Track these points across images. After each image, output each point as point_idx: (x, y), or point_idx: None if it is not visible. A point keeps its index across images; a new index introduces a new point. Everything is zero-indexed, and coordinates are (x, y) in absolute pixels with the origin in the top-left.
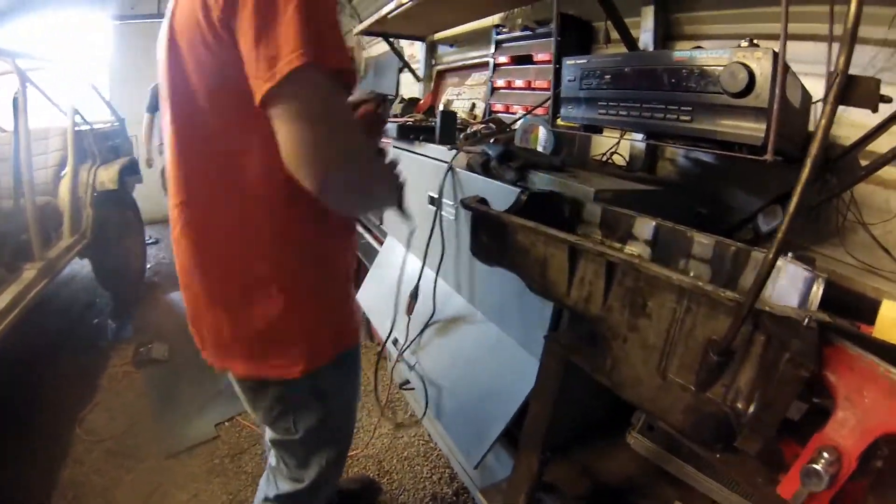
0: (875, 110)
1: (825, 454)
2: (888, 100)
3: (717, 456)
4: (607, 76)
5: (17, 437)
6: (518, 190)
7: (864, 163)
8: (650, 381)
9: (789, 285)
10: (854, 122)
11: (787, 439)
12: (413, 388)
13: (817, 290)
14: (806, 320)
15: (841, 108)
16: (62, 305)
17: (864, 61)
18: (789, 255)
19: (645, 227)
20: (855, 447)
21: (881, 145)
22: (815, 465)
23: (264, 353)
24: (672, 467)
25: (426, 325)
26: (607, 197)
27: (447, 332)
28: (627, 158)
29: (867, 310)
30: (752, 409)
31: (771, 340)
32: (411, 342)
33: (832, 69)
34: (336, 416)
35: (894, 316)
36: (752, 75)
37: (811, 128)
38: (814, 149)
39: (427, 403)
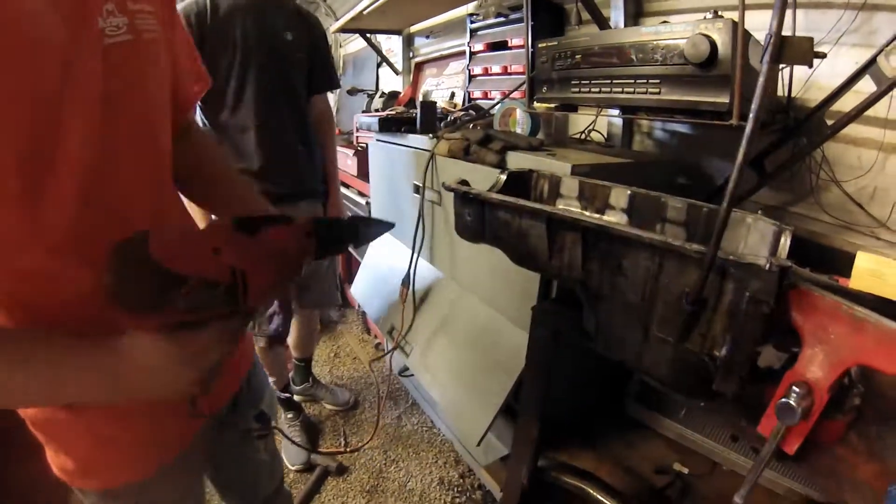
0: (810, 66)
1: (795, 388)
2: (822, 55)
3: (702, 405)
4: (578, 56)
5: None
6: (499, 171)
7: (830, 123)
8: (634, 339)
9: (759, 241)
10: (822, 85)
11: (770, 387)
12: (412, 375)
13: (784, 242)
14: (767, 265)
15: (809, 71)
16: None
17: (828, 25)
18: (759, 212)
19: (621, 196)
20: (824, 380)
21: (849, 104)
22: (787, 400)
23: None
24: (671, 432)
25: (424, 316)
26: (584, 171)
27: (441, 317)
28: (605, 135)
29: (844, 263)
30: (723, 352)
31: (736, 286)
32: (407, 330)
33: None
34: None
35: (868, 266)
36: (713, 45)
37: (780, 92)
38: (754, 103)
39: (426, 389)
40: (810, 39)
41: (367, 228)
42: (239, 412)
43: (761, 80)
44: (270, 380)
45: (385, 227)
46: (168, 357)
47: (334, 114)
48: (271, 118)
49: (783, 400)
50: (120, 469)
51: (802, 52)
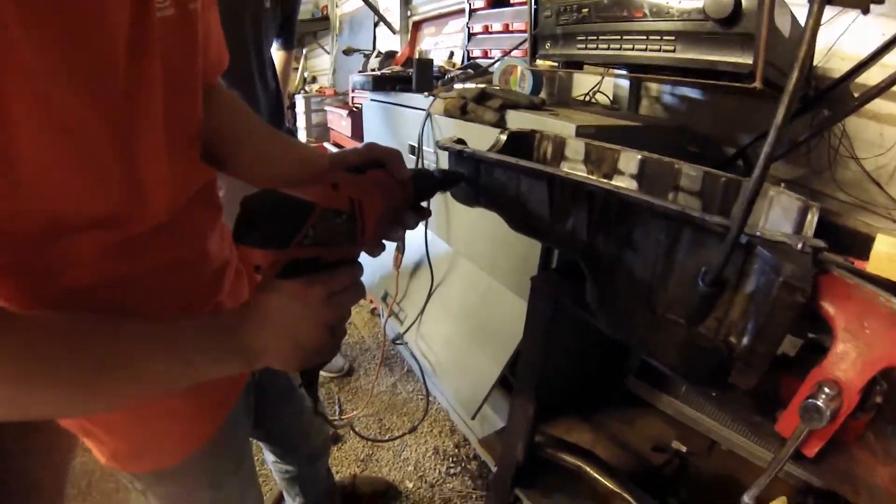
0: (866, 11)
1: (826, 389)
2: (880, 1)
3: (714, 395)
4: (585, 9)
5: (27, 426)
6: (498, 131)
7: (856, 95)
8: (640, 317)
9: (782, 216)
10: (846, 55)
11: (785, 376)
12: (406, 343)
13: (812, 220)
14: (800, 245)
15: (832, 40)
16: None
17: None
18: (782, 185)
19: (631, 160)
20: (856, 381)
21: (874, 78)
22: (815, 401)
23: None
24: (670, 409)
25: (419, 283)
26: (589, 133)
27: (437, 284)
28: (611, 98)
29: (859, 245)
30: (744, 341)
31: (764, 268)
32: (401, 297)
33: None
34: None
35: (888, 250)
36: (737, 0)
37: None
38: (801, 52)
39: (421, 356)
40: None
41: (450, 178)
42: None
43: (810, 21)
44: None
45: (461, 176)
46: (308, 298)
47: (330, 75)
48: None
49: (810, 401)
50: (175, 446)
51: None
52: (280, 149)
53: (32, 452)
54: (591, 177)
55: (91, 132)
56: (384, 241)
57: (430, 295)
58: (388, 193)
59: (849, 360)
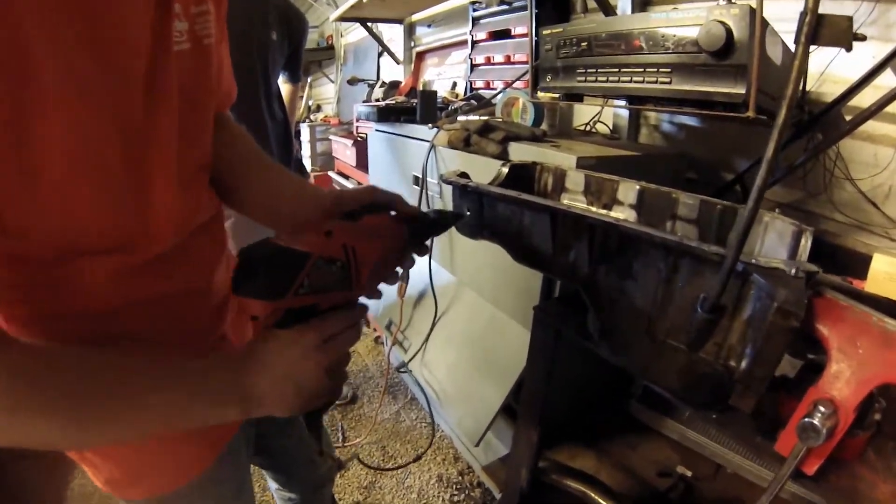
0: (849, 49)
1: (821, 408)
2: (861, 37)
3: (714, 417)
4: (584, 43)
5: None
6: (500, 163)
7: (848, 118)
8: (641, 345)
9: (777, 241)
10: (838, 78)
11: (785, 396)
12: (410, 371)
13: (805, 244)
14: (793, 270)
15: (824, 65)
16: None
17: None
18: (776, 210)
19: (629, 191)
20: (851, 399)
21: (867, 101)
22: (811, 420)
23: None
24: (675, 433)
25: (423, 311)
26: (590, 164)
27: (441, 313)
28: (611, 127)
29: (857, 265)
30: (743, 364)
31: (759, 293)
32: (406, 326)
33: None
34: None
35: (886, 269)
36: (729, 32)
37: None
38: (788, 89)
39: (425, 384)
40: (849, 18)
41: (446, 219)
42: None
43: (796, 62)
44: None
45: (460, 217)
46: (303, 343)
47: (335, 104)
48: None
49: (807, 419)
50: (174, 472)
51: (841, 31)
52: (285, 184)
53: (32, 470)
54: (592, 209)
55: (108, 154)
56: (384, 284)
57: (434, 324)
58: (385, 240)
59: (843, 379)
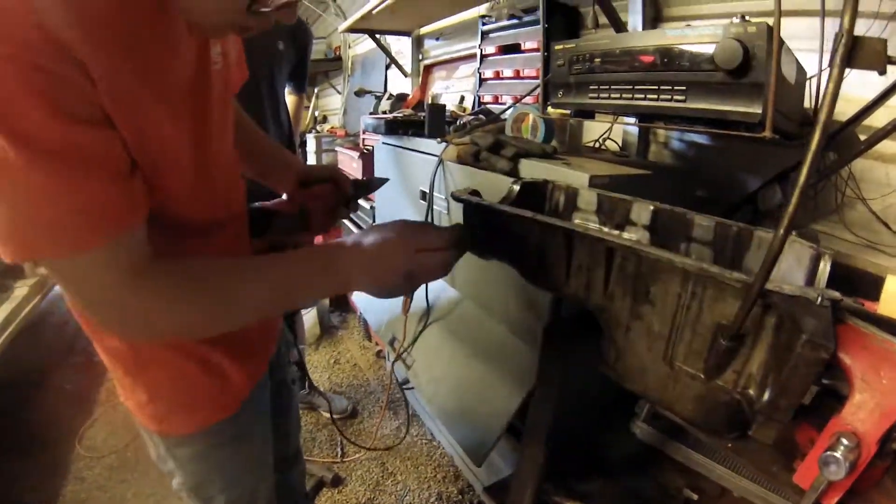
0: (883, 72)
1: (844, 440)
2: (895, 61)
3: (729, 445)
4: (597, 59)
5: (17, 455)
6: (510, 180)
7: (862, 138)
8: (656, 370)
9: (794, 264)
10: (850, 98)
11: (801, 424)
12: (413, 387)
13: (824, 268)
14: (819, 298)
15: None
16: (58, 321)
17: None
18: (793, 233)
19: (643, 211)
20: (874, 431)
21: (879, 119)
22: (833, 453)
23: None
24: (680, 455)
25: (424, 324)
26: (602, 183)
27: (445, 329)
28: (620, 144)
29: (869, 286)
30: (766, 395)
31: (783, 322)
32: (410, 342)
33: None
34: (205, 485)
35: None
36: (746, 50)
37: (807, 104)
38: (822, 114)
39: (428, 402)
40: (884, 41)
41: (371, 183)
42: (278, 368)
43: (831, 85)
44: None
45: (383, 182)
46: (402, 243)
47: (341, 115)
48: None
49: (829, 453)
50: (214, 405)
51: (875, 53)
52: (270, 152)
53: (20, 476)
54: (604, 229)
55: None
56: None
57: (420, 331)
58: (326, 199)
59: (866, 410)
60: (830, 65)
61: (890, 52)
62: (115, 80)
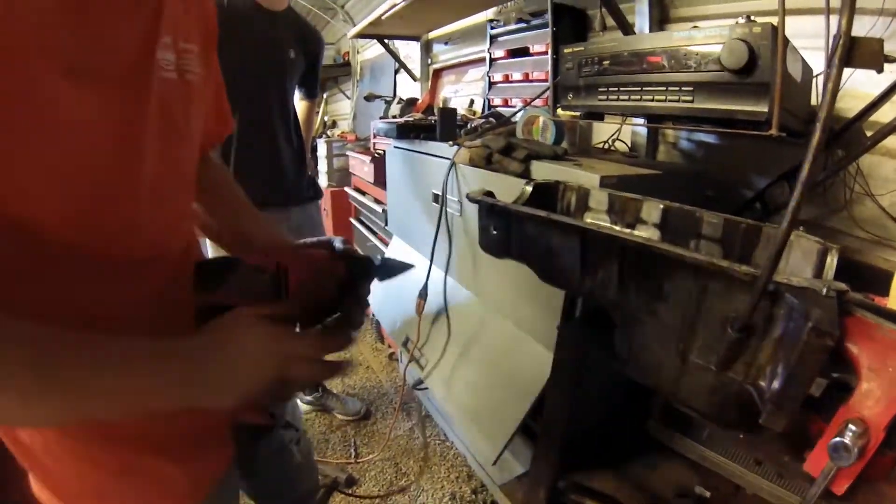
0: (880, 70)
1: (852, 427)
2: (893, 59)
3: (741, 437)
4: (606, 61)
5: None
6: (523, 181)
7: (869, 134)
8: (670, 365)
9: (802, 259)
10: (856, 94)
11: (812, 416)
12: (426, 388)
13: (831, 262)
14: (825, 289)
15: (843, 79)
16: None
17: (862, 30)
18: (800, 228)
19: (653, 210)
20: (881, 418)
21: (886, 115)
22: (842, 439)
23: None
24: (693, 453)
25: (441, 329)
26: (612, 183)
27: (458, 330)
28: (630, 145)
29: (879, 281)
30: (774, 384)
31: (791, 313)
32: (423, 342)
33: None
34: None
35: None
36: (752, 50)
37: (814, 101)
38: (822, 112)
39: (441, 404)
40: (880, 41)
41: (390, 268)
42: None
43: (830, 84)
44: None
45: (406, 268)
46: (264, 339)
47: (351, 120)
48: (257, 127)
49: (838, 439)
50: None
51: (872, 53)
52: (255, 225)
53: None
54: (615, 228)
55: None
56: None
57: (448, 339)
58: (317, 265)
59: (874, 398)
60: (828, 64)
61: (890, 51)
62: None
